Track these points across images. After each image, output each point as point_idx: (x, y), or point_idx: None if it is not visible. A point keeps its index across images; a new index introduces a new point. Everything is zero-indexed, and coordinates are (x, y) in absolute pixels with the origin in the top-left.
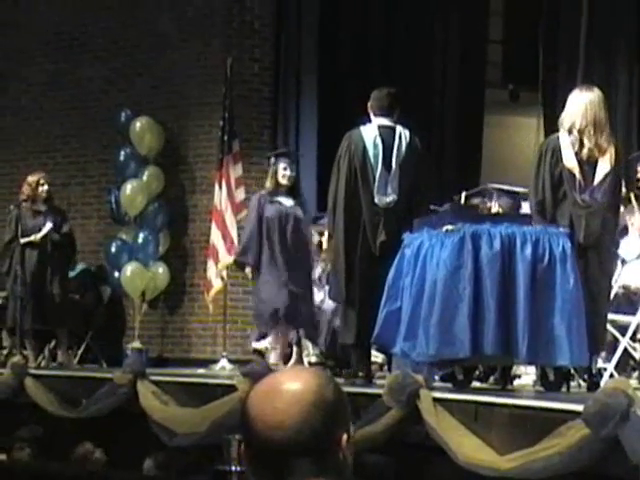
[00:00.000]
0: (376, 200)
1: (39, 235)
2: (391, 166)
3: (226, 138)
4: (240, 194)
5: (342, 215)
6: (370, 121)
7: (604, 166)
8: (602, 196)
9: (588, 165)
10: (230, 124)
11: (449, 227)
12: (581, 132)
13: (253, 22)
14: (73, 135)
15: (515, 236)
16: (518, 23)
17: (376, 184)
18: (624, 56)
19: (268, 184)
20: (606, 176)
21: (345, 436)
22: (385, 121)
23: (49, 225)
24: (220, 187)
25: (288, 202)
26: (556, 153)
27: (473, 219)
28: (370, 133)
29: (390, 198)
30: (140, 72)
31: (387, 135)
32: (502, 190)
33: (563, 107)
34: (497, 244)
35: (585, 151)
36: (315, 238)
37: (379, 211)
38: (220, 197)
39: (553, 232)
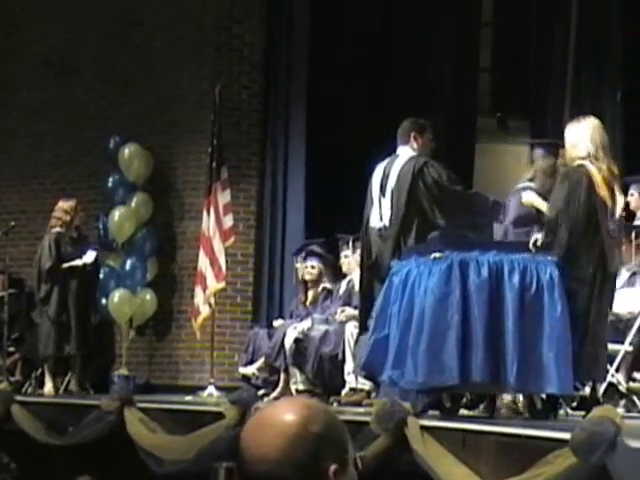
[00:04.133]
0: (371, 225)
1: (84, 261)
2: (385, 193)
3: (215, 165)
4: (228, 221)
5: (360, 242)
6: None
7: (619, 194)
8: (619, 225)
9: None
10: (219, 151)
11: (437, 255)
12: (598, 159)
13: (242, 50)
14: (62, 161)
15: (503, 264)
16: (506, 52)
17: (373, 210)
18: (611, 85)
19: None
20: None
21: (334, 467)
22: (401, 149)
23: (93, 252)
24: (208, 214)
25: None
26: (591, 183)
27: (461, 247)
28: (382, 164)
29: (382, 223)
30: (130, 99)
31: (390, 164)
32: None
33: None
34: (485, 272)
35: (607, 178)
36: (303, 270)
37: (375, 235)
38: (208, 224)
39: (540, 260)
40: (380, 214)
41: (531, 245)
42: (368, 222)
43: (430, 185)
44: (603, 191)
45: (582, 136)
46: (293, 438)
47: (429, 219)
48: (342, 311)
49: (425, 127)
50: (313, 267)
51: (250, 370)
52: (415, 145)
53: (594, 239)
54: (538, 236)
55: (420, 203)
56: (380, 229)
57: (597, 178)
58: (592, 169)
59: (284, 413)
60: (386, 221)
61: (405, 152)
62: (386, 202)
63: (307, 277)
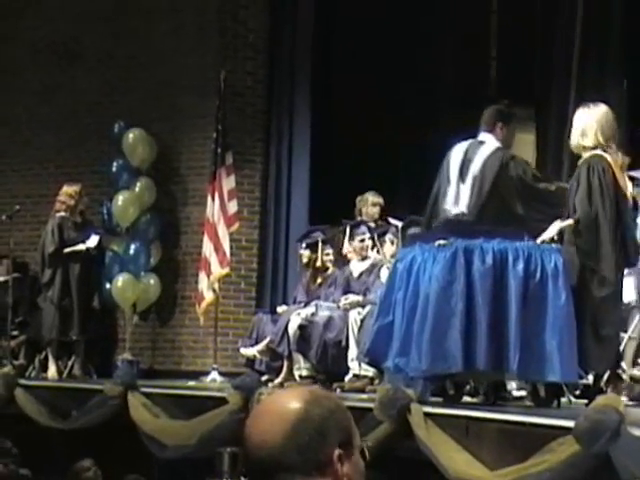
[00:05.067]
0: (446, 207)
1: (87, 245)
2: (465, 179)
3: (219, 150)
4: (232, 206)
5: (423, 224)
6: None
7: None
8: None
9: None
10: (223, 136)
11: (441, 242)
12: (610, 148)
13: (247, 35)
14: (66, 146)
15: (507, 251)
16: (511, 39)
17: (449, 192)
18: (616, 73)
19: None
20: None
21: (338, 452)
22: (485, 135)
23: (96, 237)
24: (213, 199)
25: None
26: (613, 172)
27: (466, 234)
28: (462, 146)
29: (458, 209)
30: (134, 84)
31: (473, 148)
32: None
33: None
34: (489, 259)
35: (622, 168)
36: (305, 254)
37: (450, 221)
38: (212, 209)
39: (545, 248)
40: (457, 199)
41: (546, 238)
42: (437, 203)
43: (514, 180)
44: (622, 181)
45: (591, 125)
46: (294, 423)
47: (508, 208)
48: (346, 298)
49: (512, 118)
50: (328, 254)
51: (251, 352)
52: (500, 135)
53: (617, 231)
54: (551, 231)
55: (501, 195)
56: (457, 215)
57: (615, 167)
58: (609, 158)
59: (286, 399)
60: (463, 207)
61: (490, 141)
62: (465, 188)
63: (328, 264)
